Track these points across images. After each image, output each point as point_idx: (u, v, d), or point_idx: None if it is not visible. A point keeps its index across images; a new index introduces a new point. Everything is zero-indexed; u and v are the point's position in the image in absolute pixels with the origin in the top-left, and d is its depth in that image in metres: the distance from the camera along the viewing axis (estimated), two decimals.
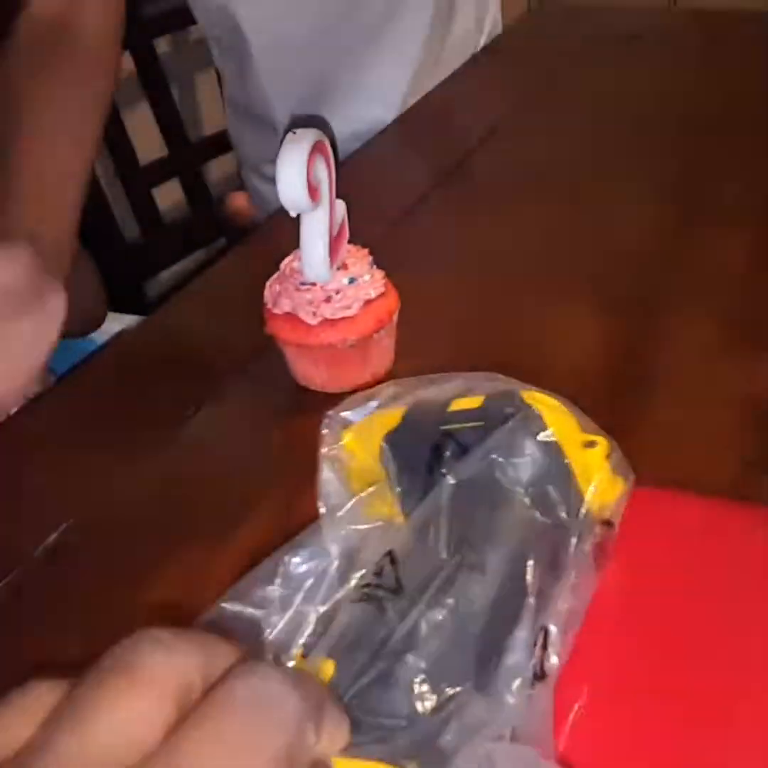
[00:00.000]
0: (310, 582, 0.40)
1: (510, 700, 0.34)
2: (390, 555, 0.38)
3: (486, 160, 0.90)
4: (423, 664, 0.34)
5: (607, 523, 0.42)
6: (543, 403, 0.43)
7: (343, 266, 0.58)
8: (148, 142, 1.29)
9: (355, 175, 0.84)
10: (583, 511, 0.41)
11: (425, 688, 0.34)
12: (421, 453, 0.43)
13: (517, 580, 0.37)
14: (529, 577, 0.37)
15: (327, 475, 0.44)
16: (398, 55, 1.01)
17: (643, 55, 1.14)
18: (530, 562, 0.37)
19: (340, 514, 0.42)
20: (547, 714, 0.35)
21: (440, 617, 0.35)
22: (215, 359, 0.65)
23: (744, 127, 0.91)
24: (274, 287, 0.59)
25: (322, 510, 0.43)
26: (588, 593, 0.40)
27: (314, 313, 0.57)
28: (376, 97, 1.02)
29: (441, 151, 0.94)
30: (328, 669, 0.35)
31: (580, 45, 1.18)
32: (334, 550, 0.41)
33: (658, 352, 0.62)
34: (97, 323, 0.89)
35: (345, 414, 0.46)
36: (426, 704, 0.34)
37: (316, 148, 0.52)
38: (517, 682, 0.34)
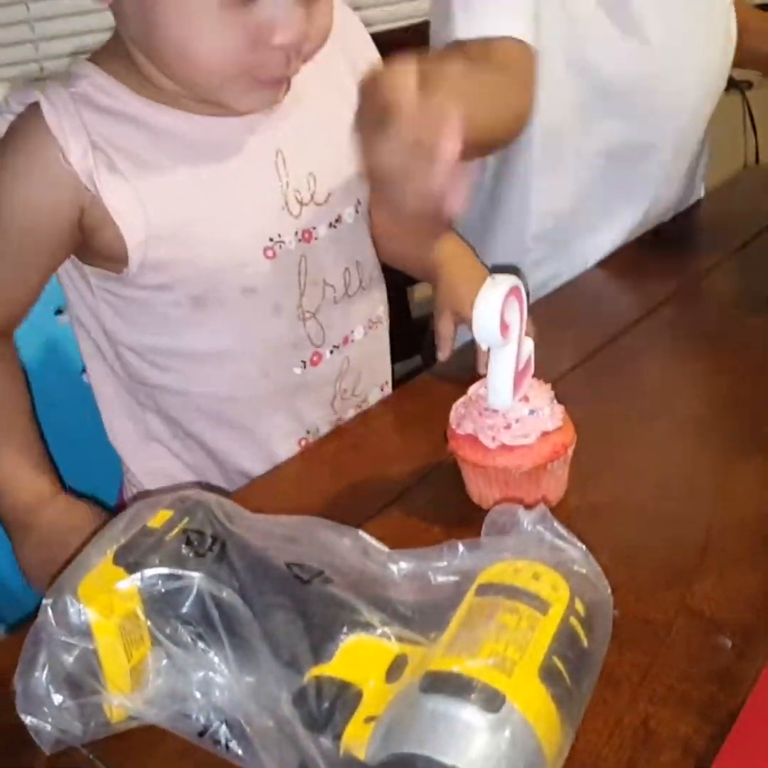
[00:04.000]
0: None
1: None
2: None
3: (681, 310, 0.93)
4: None
5: None
6: None
7: (525, 398, 0.62)
8: None
9: (553, 312, 0.89)
10: None
11: None
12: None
13: None
14: None
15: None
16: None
17: None
18: None
19: None
20: None
21: None
22: (399, 468, 0.70)
23: None
24: (460, 409, 0.64)
25: None
26: None
27: (493, 438, 0.61)
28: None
29: (636, 297, 0.97)
30: None
31: None
32: None
33: None
34: None
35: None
36: None
37: (511, 292, 0.57)
38: None
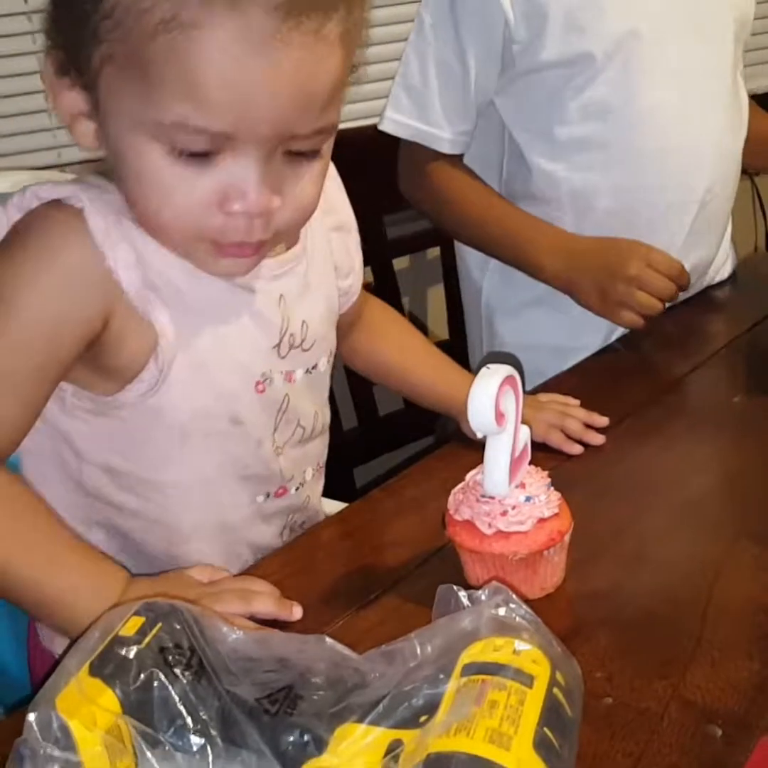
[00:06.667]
0: None
1: None
2: None
3: (683, 397, 0.94)
4: None
5: None
6: None
7: (521, 485, 0.63)
8: None
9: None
10: None
11: None
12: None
13: None
14: None
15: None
16: None
17: None
18: None
19: None
20: None
21: None
22: (397, 554, 0.71)
23: None
24: (458, 495, 0.65)
25: None
26: None
27: (490, 524, 0.62)
28: None
29: (636, 385, 0.99)
30: None
31: None
32: None
33: None
34: None
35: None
36: None
37: (506, 381, 0.59)
38: None
